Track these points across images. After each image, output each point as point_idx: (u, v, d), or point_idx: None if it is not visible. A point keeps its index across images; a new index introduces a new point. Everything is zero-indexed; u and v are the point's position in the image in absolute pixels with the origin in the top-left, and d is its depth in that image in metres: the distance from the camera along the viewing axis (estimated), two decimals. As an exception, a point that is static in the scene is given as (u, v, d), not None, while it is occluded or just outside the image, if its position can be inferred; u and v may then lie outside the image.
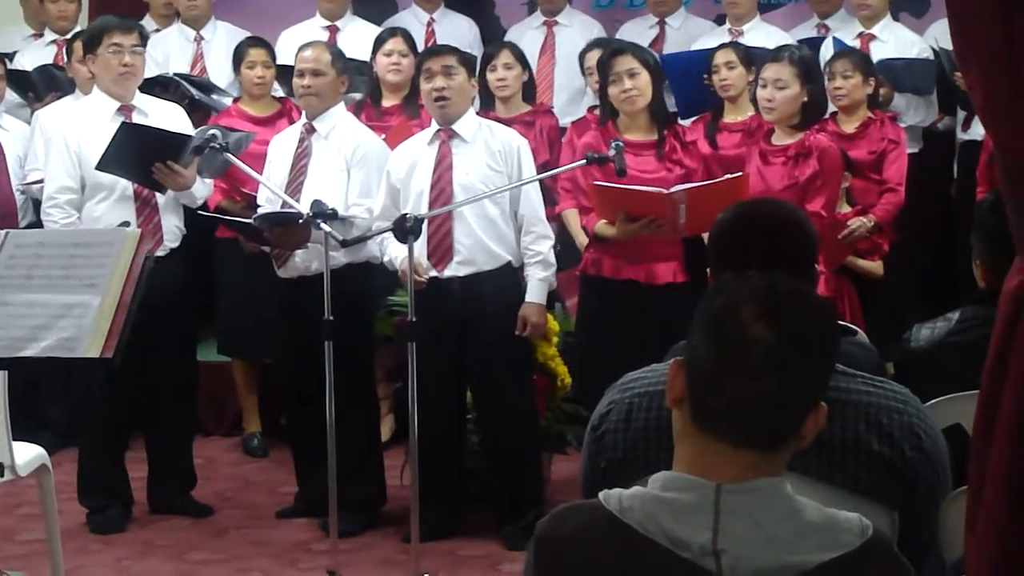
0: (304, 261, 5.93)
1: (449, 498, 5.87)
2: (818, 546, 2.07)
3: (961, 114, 7.50)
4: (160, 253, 5.85)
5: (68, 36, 7.77)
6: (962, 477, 2.77)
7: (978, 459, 2.36)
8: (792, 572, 2.05)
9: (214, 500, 6.42)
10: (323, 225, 5.34)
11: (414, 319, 5.11)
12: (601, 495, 2.16)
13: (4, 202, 6.94)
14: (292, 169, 6.02)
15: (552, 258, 5.83)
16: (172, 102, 6.46)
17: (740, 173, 5.84)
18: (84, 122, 5.99)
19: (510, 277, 5.78)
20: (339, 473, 5.30)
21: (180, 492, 6.27)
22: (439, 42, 7.85)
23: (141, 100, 6.08)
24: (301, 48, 6.16)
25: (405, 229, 5.08)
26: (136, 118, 6.00)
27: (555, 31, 8.16)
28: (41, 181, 6.45)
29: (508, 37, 8.02)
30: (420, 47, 7.32)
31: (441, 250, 5.71)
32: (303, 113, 6.20)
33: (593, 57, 6.96)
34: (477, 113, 6.08)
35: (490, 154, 5.74)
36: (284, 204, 5.81)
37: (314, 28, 7.95)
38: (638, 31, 7.96)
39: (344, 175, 5.95)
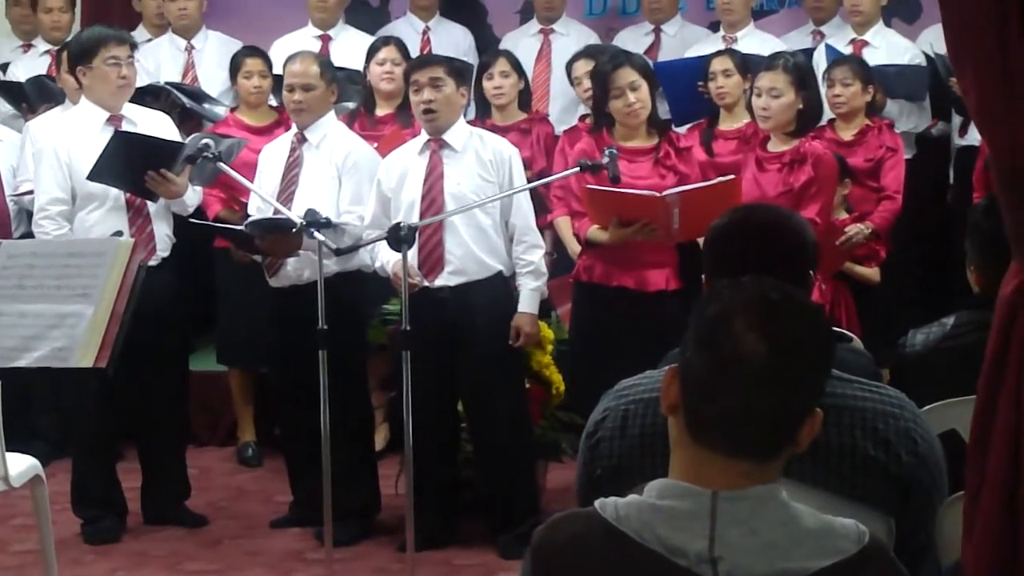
0: (296, 270, 5.92)
1: (444, 507, 5.86)
2: (815, 553, 2.06)
3: (957, 119, 7.50)
4: (152, 263, 5.83)
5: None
6: (958, 482, 2.77)
7: (975, 465, 2.36)
8: (789, 579, 2.05)
9: (208, 510, 6.40)
10: (317, 234, 5.33)
11: (408, 328, 5.10)
12: (597, 503, 2.15)
13: (-3, 212, 6.94)
14: (284, 178, 6.01)
15: (544, 267, 5.82)
16: (163, 111, 6.45)
17: (732, 176, 5.84)
18: (74, 133, 5.97)
19: (501, 287, 5.78)
20: (334, 482, 5.28)
21: (174, 502, 6.26)
22: (434, 51, 7.87)
23: (129, 110, 6.07)
24: (288, 61, 6.14)
25: (399, 238, 5.08)
26: (125, 127, 5.98)
27: (551, 39, 8.16)
28: (32, 192, 6.43)
29: (503, 45, 8.02)
30: (415, 56, 7.33)
31: (432, 260, 5.70)
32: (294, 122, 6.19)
33: (581, 67, 6.95)
34: (473, 121, 6.08)
35: (481, 164, 5.73)
36: (276, 213, 5.80)
37: (306, 37, 7.94)
38: (634, 38, 7.96)
39: (335, 183, 5.94)
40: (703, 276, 2.84)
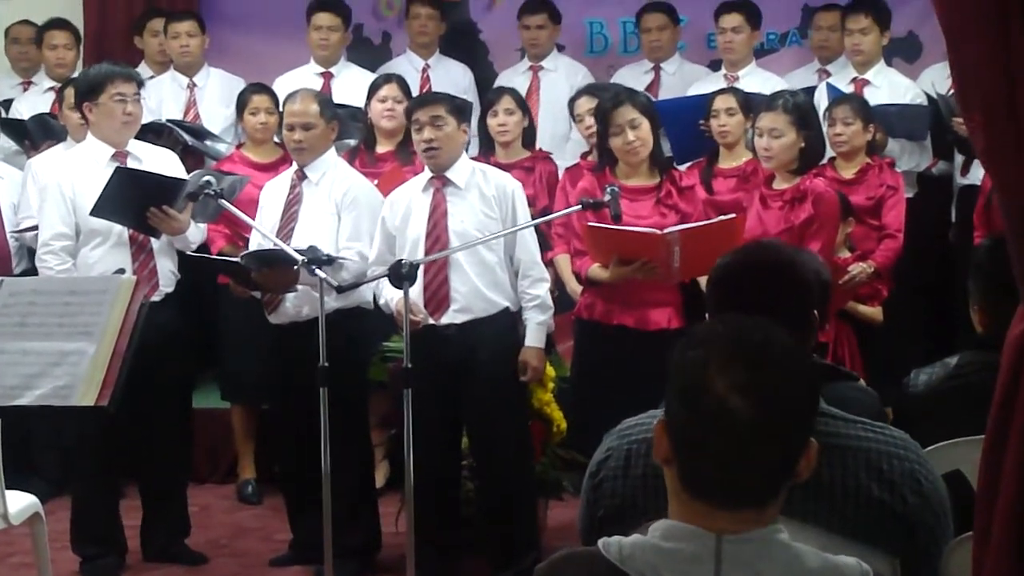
0: (295, 307, 5.91)
1: (444, 545, 5.83)
2: (819, 593, 2.06)
3: (959, 158, 7.51)
4: (156, 298, 5.84)
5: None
6: (961, 523, 2.76)
7: (984, 506, 2.35)
8: (795, 620, 2.04)
9: (208, 548, 6.37)
10: (319, 271, 5.32)
11: (410, 365, 5.10)
12: (600, 543, 2.14)
13: (-2, 248, 6.94)
14: (283, 214, 6.01)
15: (549, 301, 5.82)
16: (166, 148, 6.47)
17: (734, 215, 5.84)
18: (79, 169, 5.99)
19: (507, 322, 5.77)
20: (334, 520, 5.26)
21: (174, 540, 6.23)
22: (434, 88, 7.89)
23: (135, 146, 6.09)
24: (287, 99, 6.16)
25: (401, 275, 5.08)
26: (130, 164, 6.01)
27: (540, 76, 8.21)
28: (33, 228, 6.44)
29: (499, 82, 8.05)
30: (415, 93, 7.35)
31: (438, 298, 5.70)
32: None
33: (584, 104, 6.96)
34: (476, 158, 6.08)
35: (484, 200, 5.73)
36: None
37: (308, 75, 7.96)
38: (633, 76, 7.97)
39: (334, 219, 5.94)
40: (707, 315, 2.83)
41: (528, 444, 5.89)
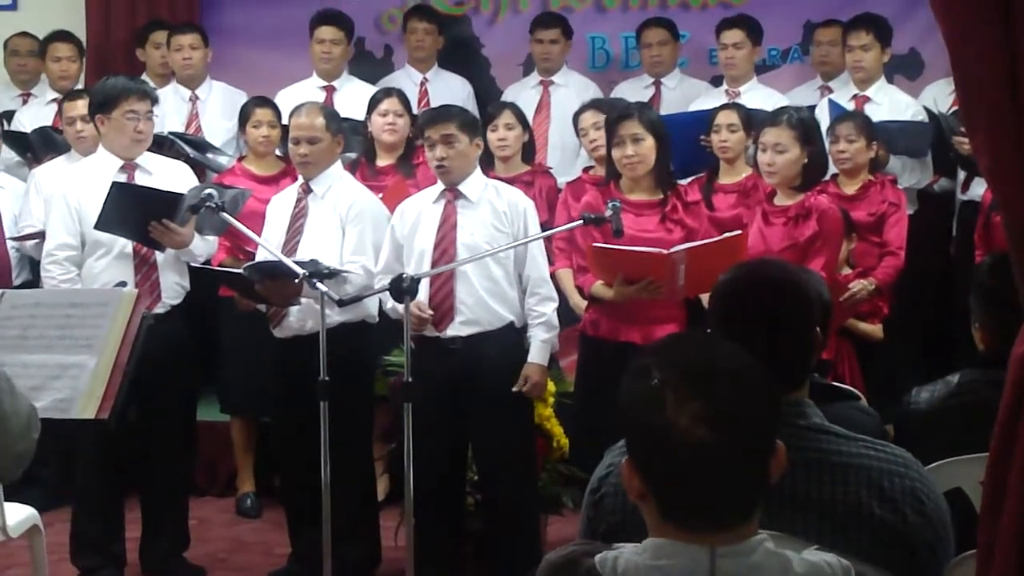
0: (299, 320, 5.91)
1: (445, 559, 5.82)
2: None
3: (960, 175, 7.51)
4: (160, 310, 5.84)
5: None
6: (962, 541, 2.76)
7: (987, 524, 2.34)
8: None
9: (207, 561, 6.37)
10: (319, 285, 5.32)
11: (410, 379, 5.09)
12: (597, 559, 2.16)
13: (-1, 259, 6.94)
14: (289, 228, 6.01)
15: (555, 320, 5.80)
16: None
17: (738, 232, 5.84)
18: (86, 179, 5.99)
19: (512, 337, 5.76)
20: (334, 534, 5.26)
21: (173, 553, 6.21)
22: (432, 102, 7.89)
23: (145, 158, 6.09)
24: (293, 112, 6.15)
25: (401, 289, 5.08)
26: (140, 176, 6.01)
27: (551, 91, 8.20)
28: (34, 236, 6.43)
29: (505, 97, 8.05)
30: (413, 107, 7.34)
31: (443, 309, 5.69)
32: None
33: (588, 119, 6.97)
34: (480, 172, 6.08)
35: (495, 215, 5.73)
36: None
37: (311, 88, 7.96)
38: (634, 91, 7.96)
39: (339, 233, 5.94)
40: (707, 331, 2.83)
41: (533, 459, 5.88)
